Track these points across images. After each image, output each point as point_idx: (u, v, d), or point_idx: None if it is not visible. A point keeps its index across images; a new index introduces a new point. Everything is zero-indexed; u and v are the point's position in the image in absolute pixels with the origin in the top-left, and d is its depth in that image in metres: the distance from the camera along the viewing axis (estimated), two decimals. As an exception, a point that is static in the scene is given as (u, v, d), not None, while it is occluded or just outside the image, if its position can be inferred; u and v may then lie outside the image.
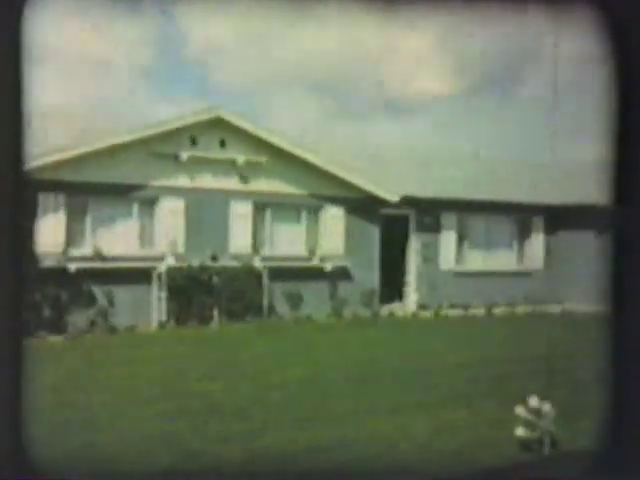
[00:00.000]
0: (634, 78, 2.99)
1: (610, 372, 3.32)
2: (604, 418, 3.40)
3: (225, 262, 16.97)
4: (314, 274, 18.52)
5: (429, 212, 20.98)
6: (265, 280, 17.47)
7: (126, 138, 15.85)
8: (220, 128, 17.19)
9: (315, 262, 18.68)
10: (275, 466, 6.53)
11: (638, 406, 3.20)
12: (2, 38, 2.84)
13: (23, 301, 2.99)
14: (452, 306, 20.31)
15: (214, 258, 16.83)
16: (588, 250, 22.77)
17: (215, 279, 16.64)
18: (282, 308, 17.95)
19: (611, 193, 3.17)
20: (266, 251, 18.11)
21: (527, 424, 6.70)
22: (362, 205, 19.33)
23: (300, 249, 18.79)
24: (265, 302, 17.52)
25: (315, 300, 18.37)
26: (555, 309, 20.87)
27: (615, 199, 3.16)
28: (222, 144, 17.30)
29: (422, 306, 20.29)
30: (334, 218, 19.12)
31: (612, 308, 3.33)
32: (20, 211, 2.93)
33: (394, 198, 19.26)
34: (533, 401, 6.79)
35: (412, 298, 20.83)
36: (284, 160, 18.05)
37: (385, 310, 19.43)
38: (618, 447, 3.23)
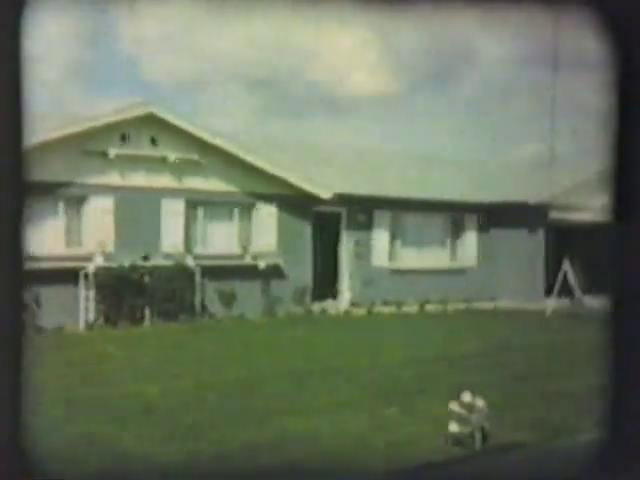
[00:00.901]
0: (634, 78, 3.03)
1: (609, 371, 3.35)
2: (604, 418, 3.45)
3: (157, 261, 16.71)
4: (247, 272, 18.40)
5: (362, 209, 21.09)
6: (198, 279, 17.27)
7: (54, 135, 15.43)
8: (151, 125, 16.92)
9: (248, 260, 18.57)
10: (211, 465, 6.45)
11: (638, 406, 3.25)
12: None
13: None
14: (385, 303, 20.45)
15: (145, 257, 16.55)
16: (521, 248, 23.32)
17: (146, 279, 16.37)
18: (215, 307, 17.78)
19: (611, 193, 3.19)
20: (199, 250, 17.91)
21: (460, 419, 6.77)
22: (295, 202, 19.29)
23: (233, 247, 18.65)
24: (198, 301, 17.33)
25: (248, 298, 18.24)
26: (488, 306, 21.23)
27: (615, 199, 3.18)
28: (153, 141, 17.02)
29: (355, 303, 20.36)
30: (267, 216, 19.04)
31: (612, 307, 3.36)
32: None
33: (327, 195, 19.29)
34: (466, 397, 6.87)
35: (345, 295, 20.91)
36: (217, 157, 17.88)
37: (318, 308, 19.43)
38: (618, 446, 3.27)
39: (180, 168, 17.41)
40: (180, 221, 17.56)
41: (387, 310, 19.89)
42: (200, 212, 18.13)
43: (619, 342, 3.34)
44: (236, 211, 18.82)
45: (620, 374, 3.31)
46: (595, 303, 20.29)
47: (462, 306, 21.05)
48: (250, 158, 18.32)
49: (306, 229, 19.68)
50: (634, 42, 2.99)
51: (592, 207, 24.79)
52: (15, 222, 2.85)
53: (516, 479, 6.13)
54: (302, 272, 19.45)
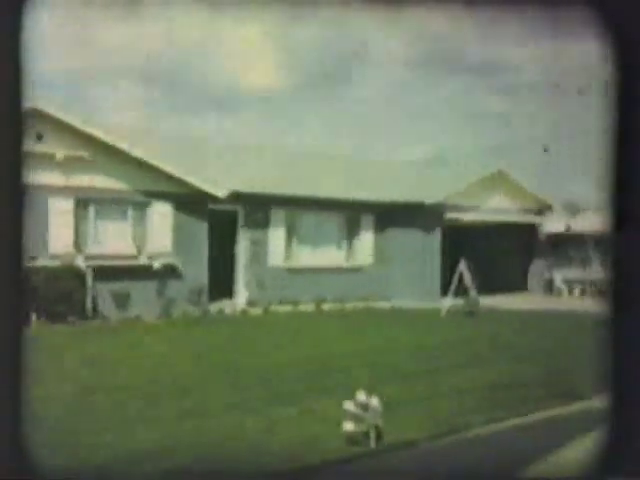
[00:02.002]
0: (633, 78, 3.01)
1: (610, 374, 3.34)
2: (604, 418, 3.45)
3: (44, 262, 16.04)
4: (142, 273, 17.97)
5: (258, 208, 20.95)
6: (89, 280, 16.71)
7: None
8: (37, 120, 16.22)
9: (143, 260, 18.12)
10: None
11: (638, 406, 3.25)
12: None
13: None
14: (282, 302, 20.39)
15: (32, 258, 15.86)
16: (417, 247, 23.71)
17: (33, 280, 15.68)
18: (108, 309, 17.25)
19: (610, 193, 3.18)
20: (90, 250, 17.34)
21: (355, 418, 6.75)
22: (190, 201, 18.97)
23: (127, 247, 18.16)
24: (89, 303, 16.76)
25: (143, 299, 17.82)
26: (384, 305, 21.47)
27: (614, 200, 3.17)
28: (39, 137, 16.33)
29: (251, 303, 20.21)
30: (162, 215, 18.64)
31: (611, 311, 3.36)
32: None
33: (222, 194, 19.04)
34: (361, 396, 6.86)
35: (241, 295, 20.73)
36: (108, 155, 17.35)
37: (215, 308, 19.17)
38: (619, 447, 3.26)
39: (69, 165, 16.79)
40: (69, 220, 16.95)
41: (283, 309, 19.82)
42: (91, 211, 17.56)
43: (619, 345, 3.36)
44: (130, 210, 18.32)
45: (621, 376, 3.34)
46: (489, 302, 20.89)
47: (359, 305, 21.20)
48: (143, 155, 17.87)
49: (202, 228, 19.37)
50: (634, 42, 3.02)
51: (487, 207, 25.57)
52: (15, 223, 2.89)
53: (412, 476, 6.20)
54: (198, 272, 19.15)
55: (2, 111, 2.84)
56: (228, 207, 20.05)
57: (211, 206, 19.46)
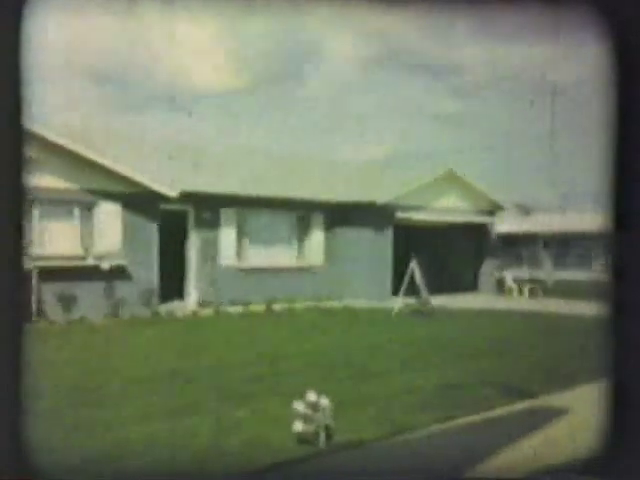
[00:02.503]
0: (633, 78, 2.99)
1: (610, 373, 3.32)
2: (604, 419, 3.42)
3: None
4: (89, 273, 17.63)
5: (209, 208, 20.75)
6: (34, 281, 16.32)
7: None
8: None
9: (90, 261, 17.78)
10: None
11: (638, 407, 3.21)
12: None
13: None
14: (233, 303, 20.22)
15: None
16: (369, 247, 23.76)
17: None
18: (54, 310, 16.87)
19: (610, 193, 3.14)
20: (35, 250, 16.92)
21: (305, 418, 6.68)
22: (140, 201, 18.68)
23: (74, 247, 17.79)
24: (34, 304, 16.37)
25: (90, 301, 17.48)
26: (336, 305, 21.44)
27: (614, 200, 3.13)
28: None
29: (202, 303, 20.01)
30: (110, 214, 18.32)
31: (612, 310, 3.33)
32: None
33: (173, 194, 18.81)
34: (311, 395, 6.79)
35: (192, 296, 20.50)
36: (54, 153, 16.97)
37: (165, 309, 18.91)
38: (618, 447, 3.23)
39: (13, 164, 16.37)
40: (14, 220, 16.52)
41: (235, 310, 19.65)
42: (36, 211, 17.16)
43: (621, 345, 3.34)
44: (77, 210, 17.96)
45: (622, 377, 3.31)
46: (440, 301, 21.02)
47: (310, 305, 21.15)
48: (90, 154, 17.54)
49: (152, 228, 19.09)
50: (634, 42, 3.00)
51: (438, 207, 25.76)
52: (15, 223, 2.90)
53: (362, 476, 6.16)
54: (148, 273, 18.87)
55: (2, 111, 2.91)
56: (179, 207, 19.82)
57: (162, 206, 19.20)
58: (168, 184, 18.89)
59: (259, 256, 22.35)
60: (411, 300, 20.23)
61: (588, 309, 19.98)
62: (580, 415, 8.08)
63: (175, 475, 6.26)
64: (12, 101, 2.97)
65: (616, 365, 3.38)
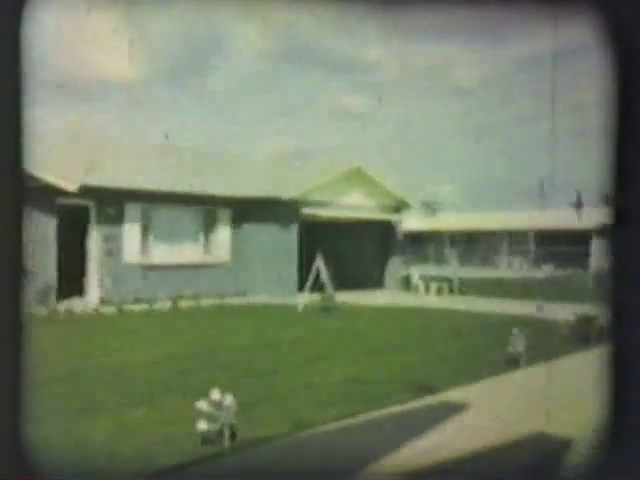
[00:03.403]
0: (634, 78, 2.96)
1: (609, 373, 3.29)
2: (604, 419, 3.39)
3: None
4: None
5: (112, 203, 20.21)
6: None
7: None
8: None
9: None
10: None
11: (638, 407, 3.18)
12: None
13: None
14: (137, 300, 19.77)
15: None
16: (274, 243, 23.67)
17: None
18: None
19: (610, 192, 3.10)
20: None
21: (208, 417, 6.55)
22: (36, 195, 17.97)
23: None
24: None
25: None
26: (242, 302, 21.28)
27: (614, 198, 3.09)
28: None
29: (105, 301, 19.47)
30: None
31: (612, 311, 3.28)
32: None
33: (72, 188, 18.20)
34: (215, 394, 6.66)
35: (94, 293, 19.92)
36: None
37: (64, 307, 18.28)
38: (618, 448, 3.19)
39: None
40: None
41: (139, 307, 19.21)
42: None
43: (619, 344, 3.33)
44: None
45: (621, 376, 3.30)
46: (346, 297, 21.14)
47: (216, 302, 20.90)
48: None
49: (50, 224, 18.43)
50: (634, 42, 3.01)
51: (345, 204, 25.90)
52: (15, 222, 2.94)
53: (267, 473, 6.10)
54: (46, 269, 18.20)
55: (2, 112, 2.87)
56: (79, 202, 19.20)
57: (60, 201, 18.55)
58: (67, 177, 18.27)
59: (164, 252, 21.93)
60: (317, 296, 20.27)
61: (492, 306, 20.57)
62: (482, 409, 8.23)
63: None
64: (11, 100, 2.93)
65: (616, 365, 3.42)
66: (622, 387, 3.32)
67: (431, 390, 9.17)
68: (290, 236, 23.74)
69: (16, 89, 2.91)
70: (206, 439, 6.55)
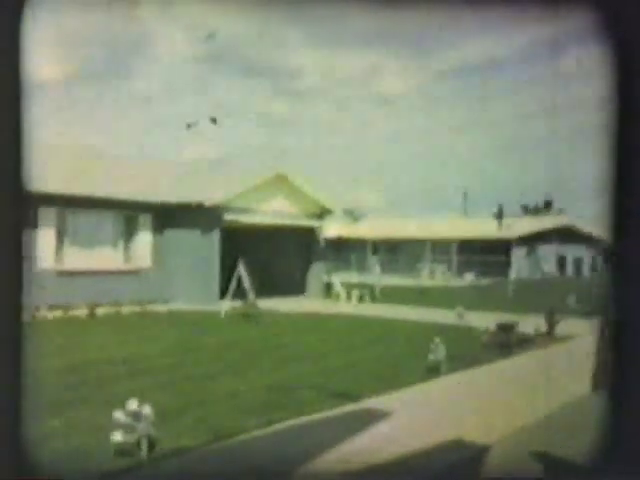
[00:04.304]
0: (634, 78, 2.92)
1: (609, 376, 3.27)
2: (604, 420, 3.35)
3: None
4: None
5: (25, 207, 19.55)
6: None
7: None
8: None
9: None
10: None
11: (638, 408, 3.12)
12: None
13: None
14: (52, 307, 19.18)
15: None
16: (196, 249, 23.36)
17: None
18: None
19: (610, 196, 3.06)
20: None
21: (125, 428, 6.35)
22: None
23: None
24: None
25: None
26: (163, 309, 20.90)
27: (615, 204, 3.05)
28: None
29: (17, 308, 18.78)
30: None
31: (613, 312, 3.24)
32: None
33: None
34: (132, 404, 6.46)
35: (4, 300, 19.21)
36: None
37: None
38: (618, 448, 3.14)
39: None
40: None
41: (53, 315, 18.63)
42: None
43: (620, 348, 3.29)
44: None
45: (621, 379, 3.27)
46: (268, 304, 21.03)
47: (135, 309, 20.47)
48: None
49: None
50: (634, 42, 3.02)
51: (267, 210, 25.79)
52: (15, 225, 2.99)
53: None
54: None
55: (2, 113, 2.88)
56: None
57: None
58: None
59: (81, 258, 21.34)
60: (238, 303, 20.10)
61: (414, 314, 20.79)
62: (403, 417, 8.26)
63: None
64: (11, 100, 3.01)
65: (617, 368, 3.43)
66: (622, 387, 3.37)
67: (352, 398, 9.16)
68: (212, 242, 23.48)
69: (16, 88, 2.95)
70: (121, 451, 6.35)
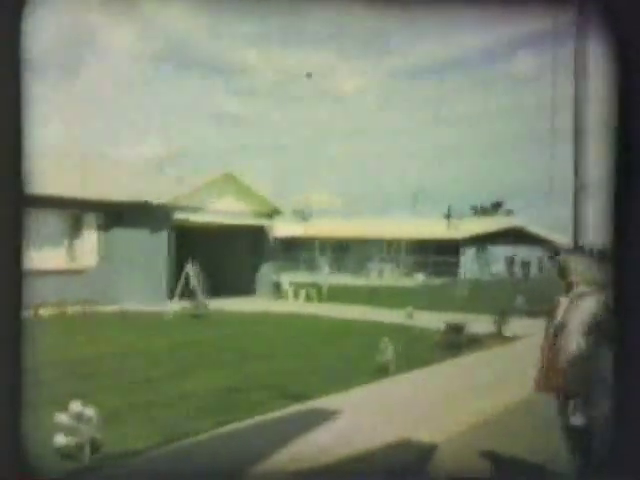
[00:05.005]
0: (634, 78, 2.87)
1: (610, 377, 3.24)
2: (604, 420, 3.34)
3: None
4: None
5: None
6: None
7: None
8: None
9: None
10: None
11: (638, 409, 3.07)
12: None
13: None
14: (-6, 308, 18.68)
15: None
16: (144, 249, 23.02)
17: None
18: None
19: (610, 197, 3.01)
20: None
21: (68, 430, 6.18)
22: None
23: None
24: None
25: None
26: (110, 309, 20.52)
27: (615, 206, 3.02)
28: None
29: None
30: None
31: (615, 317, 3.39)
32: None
33: None
34: (76, 406, 6.29)
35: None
36: None
37: None
38: (618, 448, 3.09)
39: None
40: None
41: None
42: None
43: (621, 350, 3.26)
44: None
45: (622, 382, 3.23)
46: (217, 304, 20.84)
47: (81, 309, 20.06)
48: None
49: None
50: (634, 43, 3.02)
51: (216, 209, 25.57)
52: (14, 228, 3.03)
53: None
54: None
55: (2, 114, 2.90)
56: None
57: None
58: None
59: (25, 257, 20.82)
60: (187, 304, 19.89)
61: (363, 314, 20.82)
62: (351, 417, 8.22)
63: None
64: (11, 100, 3.05)
65: (618, 369, 3.42)
66: (622, 388, 3.37)
67: (302, 398, 9.10)
68: (161, 242, 23.18)
69: (16, 87, 2.98)
70: (64, 454, 6.18)
